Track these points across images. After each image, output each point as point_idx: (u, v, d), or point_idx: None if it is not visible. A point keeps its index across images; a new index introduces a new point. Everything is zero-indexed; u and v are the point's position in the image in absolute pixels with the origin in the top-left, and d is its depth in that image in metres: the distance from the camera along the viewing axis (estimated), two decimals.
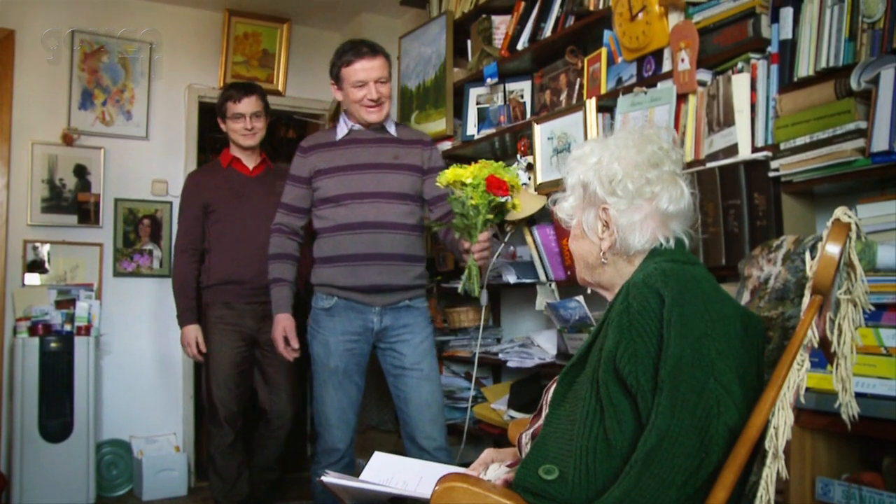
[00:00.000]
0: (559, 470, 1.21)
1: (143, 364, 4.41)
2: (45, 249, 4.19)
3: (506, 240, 3.14)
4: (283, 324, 2.75)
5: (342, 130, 2.76)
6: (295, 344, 2.77)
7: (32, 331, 3.87)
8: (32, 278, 4.14)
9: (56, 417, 3.82)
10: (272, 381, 3.31)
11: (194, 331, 3.25)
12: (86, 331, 3.97)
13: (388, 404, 3.48)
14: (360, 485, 1.48)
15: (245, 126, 3.27)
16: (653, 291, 1.22)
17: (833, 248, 1.18)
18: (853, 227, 1.20)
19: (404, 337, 2.68)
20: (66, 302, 4.02)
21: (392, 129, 2.78)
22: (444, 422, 2.75)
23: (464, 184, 2.26)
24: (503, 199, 2.28)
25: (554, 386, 1.41)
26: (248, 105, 3.26)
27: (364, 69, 2.63)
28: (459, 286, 2.42)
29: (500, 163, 2.33)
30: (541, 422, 1.45)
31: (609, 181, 1.38)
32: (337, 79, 2.71)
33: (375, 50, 2.67)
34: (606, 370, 1.22)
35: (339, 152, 2.72)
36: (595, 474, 1.18)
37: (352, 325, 2.66)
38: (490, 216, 2.31)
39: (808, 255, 1.25)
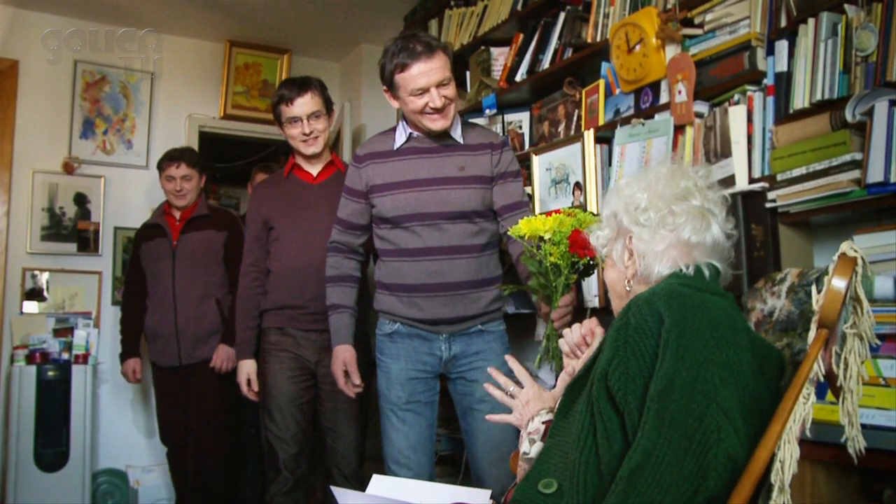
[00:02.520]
0: (557, 483, 1.24)
1: (140, 393, 4.39)
2: (43, 277, 4.19)
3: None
4: (343, 356, 2.44)
5: (400, 138, 2.39)
6: (356, 379, 2.46)
7: (30, 359, 3.86)
8: (31, 306, 4.15)
9: (52, 446, 3.80)
10: (331, 423, 2.84)
11: (247, 367, 2.83)
12: (83, 359, 3.96)
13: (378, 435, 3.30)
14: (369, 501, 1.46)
15: (303, 131, 2.77)
16: (653, 310, 1.23)
17: (839, 283, 1.19)
18: (859, 261, 1.21)
19: (476, 365, 2.35)
20: (64, 330, 4.01)
21: (458, 134, 2.37)
22: None
23: (542, 239, 1.86)
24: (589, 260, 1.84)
25: (558, 389, 1.43)
26: (303, 106, 2.75)
27: (422, 73, 2.22)
28: (535, 361, 2.02)
29: (586, 212, 1.93)
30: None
31: (634, 209, 1.40)
32: (390, 85, 2.31)
33: (432, 47, 2.23)
34: (599, 386, 1.23)
35: (395, 165, 2.36)
36: (587, 488, 1.19)
37: (416, 353, 2.36)
38: (574, 276, 1.89)
39: (814, 289, 1.26)
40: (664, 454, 1.11)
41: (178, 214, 3.72)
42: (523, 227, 1.89)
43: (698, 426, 1.12)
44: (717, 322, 1.22)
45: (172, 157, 3.68)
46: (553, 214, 1.86)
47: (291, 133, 2.79)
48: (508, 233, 1.97)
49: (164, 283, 3.61)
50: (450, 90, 2.27)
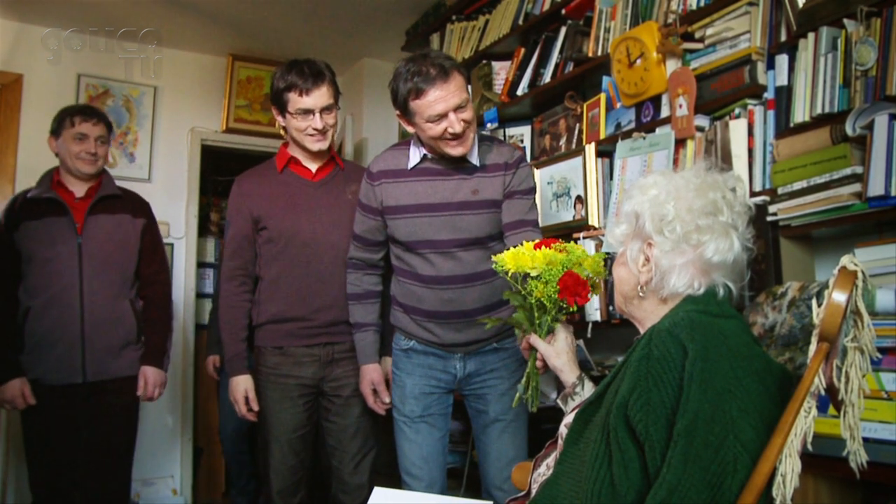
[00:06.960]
0: None
1: (139, 405, 4.37)
2: None
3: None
4: (370, 376, 2.41)
5: (414, 157, 2.28)
6: (385, 397, 2.42)
7: None
8: None
9: None
10: (337, 441, 2.57)
11: (243, 383, 2.49)
12: None
13: (384, 447, 3.27)
14: None
15: (314, 126, 2.46)
16: (676, 342, 1.21)
17: (840, 296, 1.19)
18: (859, 274, 1.20)
19: (490, 383, 2.32)
20: None
21: (473, 156, 2.24)
22: None
23: (528, 274, 1.70)
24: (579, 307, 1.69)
25: (569, 418, 1.41)
26: (318, 98, 2.45)
27: (439, 99, 2.08)
28: (514, 399, 1.89)
29: (578, 247, 1.73)
30: (552, 450, 1.45)
31: (659, 219, 1.37)
32: (404, 111, 2.17)
33: (446, 69, 2.09)
34: (618, 415, 1.21)
35: (408, 186, 2.26)
36: None
37: (431, 370, 2.33)
38: (562, 317, 1.74)
39: (814, 303, 1.25)
40: (687, 489, 1.10)
41: (79, 190, 2.89)
42: (508, 260, 1.71)
43: (714, 457, 1.11)
44: (736, 352, 1.21)
45: (86, 113, 2.90)
46: (542, 248, 1.69)
47: (298, 126, 2.47)
48: (492, 266, 1.78)
49: (67, 277, 2.80)
50: (468, 113, 2.14)
